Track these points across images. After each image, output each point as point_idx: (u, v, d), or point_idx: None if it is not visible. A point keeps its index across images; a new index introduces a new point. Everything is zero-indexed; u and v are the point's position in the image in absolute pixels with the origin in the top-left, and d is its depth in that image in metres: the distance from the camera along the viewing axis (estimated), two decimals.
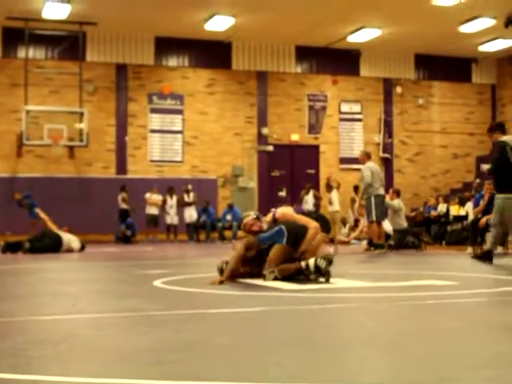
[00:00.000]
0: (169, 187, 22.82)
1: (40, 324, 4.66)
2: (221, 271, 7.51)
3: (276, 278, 7.29)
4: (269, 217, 8.12)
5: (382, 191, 15.18)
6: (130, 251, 16.64)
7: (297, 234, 7.59)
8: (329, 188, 22.33)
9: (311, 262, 7.31)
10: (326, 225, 8.66)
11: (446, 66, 26.93)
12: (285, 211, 8.16)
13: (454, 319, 4.89)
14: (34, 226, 20.09)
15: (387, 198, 17.75)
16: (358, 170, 16.68)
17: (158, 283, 7.26)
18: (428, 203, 22.45)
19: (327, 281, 7.22)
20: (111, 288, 7.13)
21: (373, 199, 14.90)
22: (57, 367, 3.23)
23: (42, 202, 21.44)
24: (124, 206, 22.49)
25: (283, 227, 7.59)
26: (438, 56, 26.52)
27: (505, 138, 10.72)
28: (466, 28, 22.82)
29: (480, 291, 6.71)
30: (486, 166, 11.40)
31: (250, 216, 8.03)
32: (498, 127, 11.17)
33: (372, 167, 15.19)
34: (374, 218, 14.93)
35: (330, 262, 7.29)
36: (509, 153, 10.45)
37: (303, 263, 7.37)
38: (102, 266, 11.22)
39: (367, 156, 15.60)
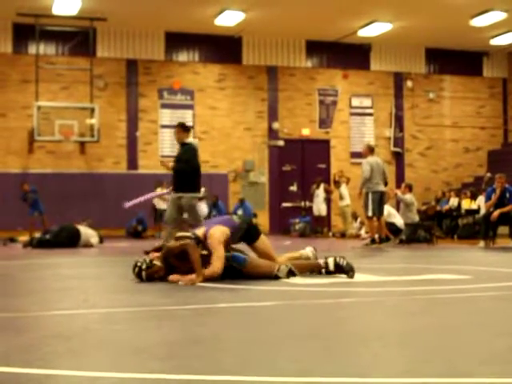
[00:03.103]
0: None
1: (53, 319, 4.67)
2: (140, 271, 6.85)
3: (291, 273, 7.07)
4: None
5: (381, 187, 14.97)
6: (141, 246, 16.65)
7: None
8: (337, 184, 22.35)
9: (330, 260, 7.30)
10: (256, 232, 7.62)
11: (457, 60, 26.81)
12: (216, 235, 6.93)
13: (467, 313, 4.88)
14: (32, 223, 20.11)
15: (399, 193, 17.73)
16: None
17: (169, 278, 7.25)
18: (438, 197, 22.44)
19: (352, 277, 7.16)
20: (123, 283, 7.13)
21: (370, 195, 14.85)
22: (70, 362, 3.23)
23: (53, 197, 21.55)
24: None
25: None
26: (448, 50, 26.40)
27: (190, 140, 11.43)
28: (477, 21, 22.70)
29: (493, 285, 6.68)
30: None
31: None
32: (187, 128, 11.47)
33: (372, 162, 15.04)
34: (371, 214, 14.90)
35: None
36: (197, 156, 11.23)
37: (321, 261, 7.35)
38: (113, 261, 11.23)
39: (370, 150, 15.47)
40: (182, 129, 11.36)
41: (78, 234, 15.33)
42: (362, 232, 20.12)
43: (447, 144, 26.98)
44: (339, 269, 7.26)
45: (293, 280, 6.89)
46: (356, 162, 25.50)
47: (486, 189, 17.65)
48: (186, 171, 11.13)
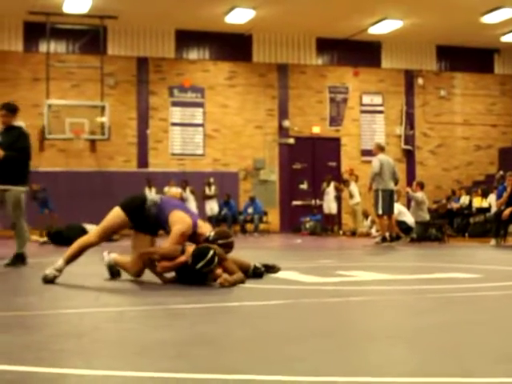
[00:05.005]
0: (182, 180, 22.55)
1: (63, 317, 4.68)
2: None
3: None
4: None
5: (391, 185, 15.01)
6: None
7: None
8: (346, 183, 22.30)
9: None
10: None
11: (468, 57, 26.70)
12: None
13: (478, 312, 4.85)
14: (43, 222, 20.15)
15: (410, 191, 17.70)
16: None
17: None
18: (448, 196, 22.37)
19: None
20: (132, 281, 7.13)
21: (380, 193, 14.88)
22: (80, 360, 3.23)
23: (63, 196, 21.59)
24: None
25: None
26: (459, 47, 26.30)
27: (19, 123, 9.90)
28: (488, 18, 22.61)
29: (505, 284, 6.66)
30: None
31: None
32: (14, 110, 9.89)
33: (383, 159, 15.10)
34: (380, 212, 14.91)
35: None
36: (30, 144, 9.73)
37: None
38: None
39: (380, 148, 15.58)
40: (9, 111, 9.78)
41: (83, 233, 15.39)
42: (373, 230, 20.06)
43: (458, 142, 26.88)
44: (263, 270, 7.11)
45: (301, 278, 6.88)
46: (367, 160, 25.45)
47: (497, 187, 17.58)
48: (20, 160, 9.44)
